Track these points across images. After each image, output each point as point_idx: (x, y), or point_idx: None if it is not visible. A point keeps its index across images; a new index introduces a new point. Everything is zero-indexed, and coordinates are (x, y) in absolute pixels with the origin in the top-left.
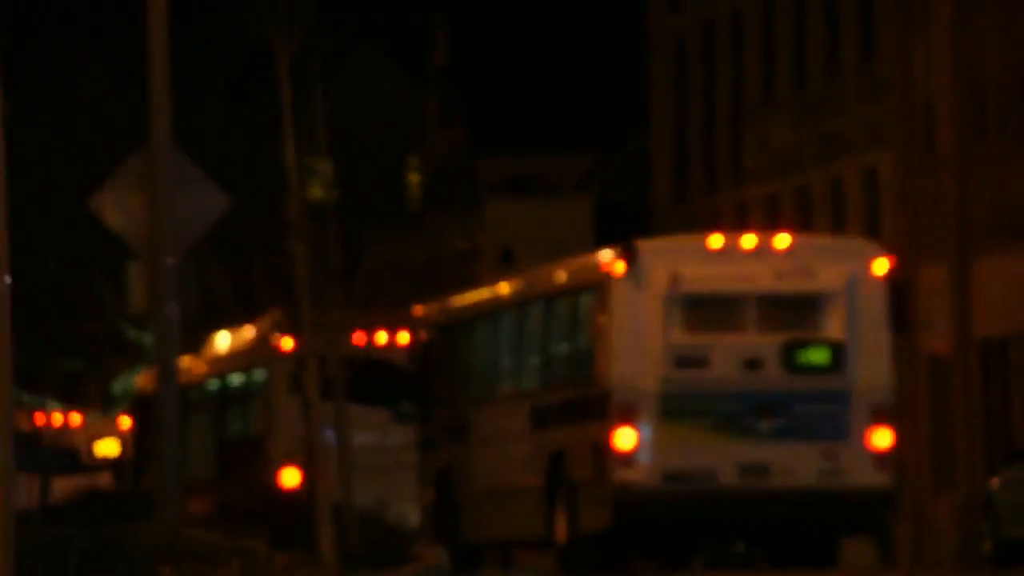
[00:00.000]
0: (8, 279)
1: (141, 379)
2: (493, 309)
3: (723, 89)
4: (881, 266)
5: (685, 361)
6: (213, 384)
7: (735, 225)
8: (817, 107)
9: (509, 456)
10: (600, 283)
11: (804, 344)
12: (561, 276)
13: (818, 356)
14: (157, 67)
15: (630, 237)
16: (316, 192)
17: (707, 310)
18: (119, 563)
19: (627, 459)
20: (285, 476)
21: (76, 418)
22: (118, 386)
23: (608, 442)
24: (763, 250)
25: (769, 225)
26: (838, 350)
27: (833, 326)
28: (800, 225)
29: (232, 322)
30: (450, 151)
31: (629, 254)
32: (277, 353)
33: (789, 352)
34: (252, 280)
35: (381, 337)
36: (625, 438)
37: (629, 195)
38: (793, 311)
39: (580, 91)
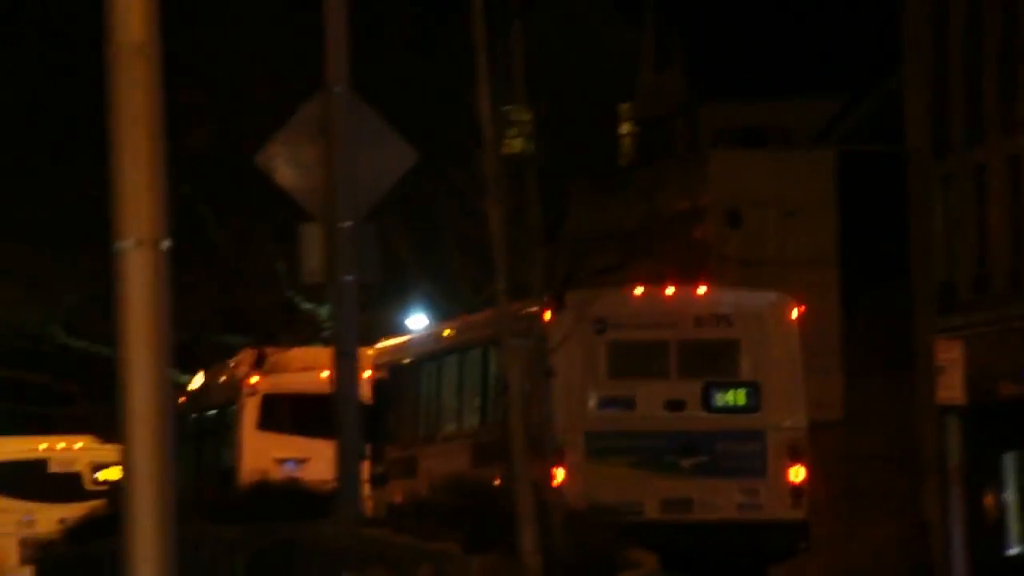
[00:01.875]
0: (167, 243)
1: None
2: (437, 352)
3: (992, 21)
4: (793, 314)
5: (611, 402)
6: (193, 417)
7: (1006, 183)
8: None
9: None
10: (531, 329)
11: (722, 386)
12: (492, 325)
13: (735, 397)
14: (334, 2)
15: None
16: (514, 145)
17: (632, 355)
18: (296, 564)
19: (559, 494)
20: None
21: (78, 443)
22: None
23: (541, 479)
24: (684, 300)
25: None
26: (754, 391)
27: (749, 369)
28: None
29: (417, 293)
30: (668, 97)
31: (557, 303)
32: (245, 390)
33: (708, 394)
34: (441, 246)
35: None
36: (556, 475)
37: (878, 147)
38: (712, 356)
39: (820, 25)
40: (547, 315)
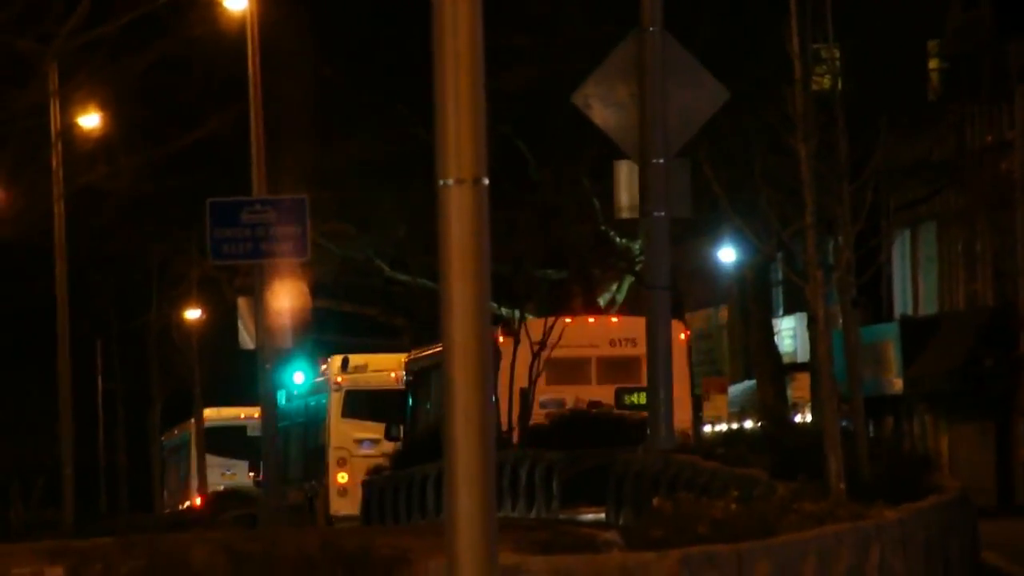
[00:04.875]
0: (486, 181)
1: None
2: (439, 362)
3: None
4: (682, 336)
5: (548, 403)
6: (302, 405)
7: None
8: None
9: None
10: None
11: (630, 391)
12: None
13: (639, 399)
14: None
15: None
16: (823, 82)
17: (563, 368)
18: (609, 488)
19: None
20: (338, 476)
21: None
22: (605, 297)
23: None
24: (601, 326)
25: None
26: None
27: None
28: None
29: (727, 228)
30: (975, 34)
31: (510, 330)
32: (332, 387)
33: (620, 396)
34: (750, 181)
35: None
36: None
37: None
38: (622, 368)
39: None
40: (503, 339)
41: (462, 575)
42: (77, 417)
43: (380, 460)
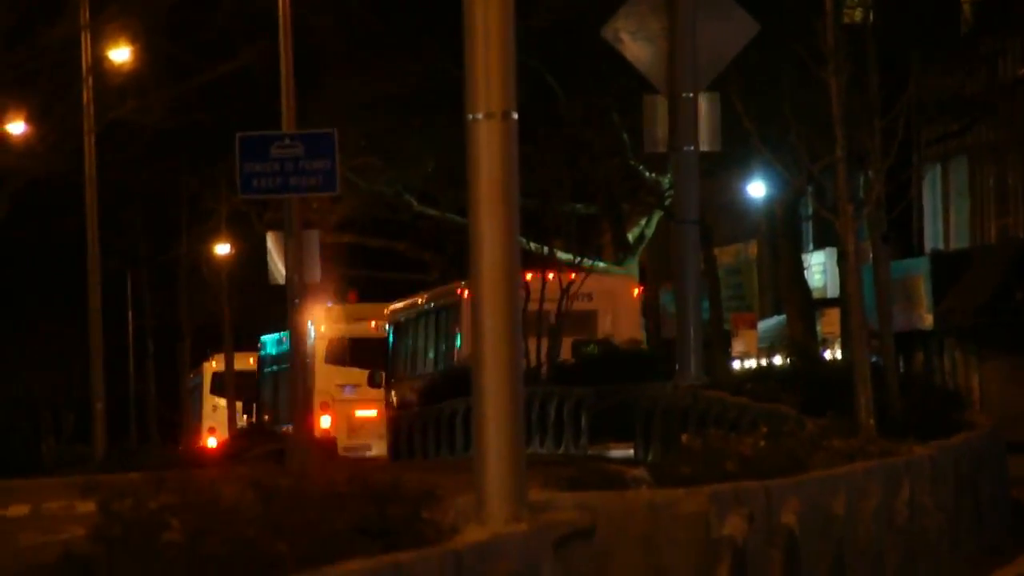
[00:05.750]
0: (515, 115)
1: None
2: (415, 315)
3: None
4: (635, 292)
5: None
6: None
7: None
8: None
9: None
10: (455, 303)
11: (586, 342)
12: (438, 298)
13: (593, 349)
14: None
15: None
16: (854, 15)
17: (523, 321)
18: (638, 423)
19: None
20: (320, 419)
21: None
22: (634, 232)
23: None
24: (558, 282)
25: None
26: (607, 344)
27: (604, 330)
28: None
29: (756, 162)
30: None
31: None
32: (316, 334)
33: (576, 349)
34: (780, 115)
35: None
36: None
37: None
38: (578, 321)
39: None
40: (465, 293)
41: (491, 511)
42: (107, 351)
43: (360, 405)
